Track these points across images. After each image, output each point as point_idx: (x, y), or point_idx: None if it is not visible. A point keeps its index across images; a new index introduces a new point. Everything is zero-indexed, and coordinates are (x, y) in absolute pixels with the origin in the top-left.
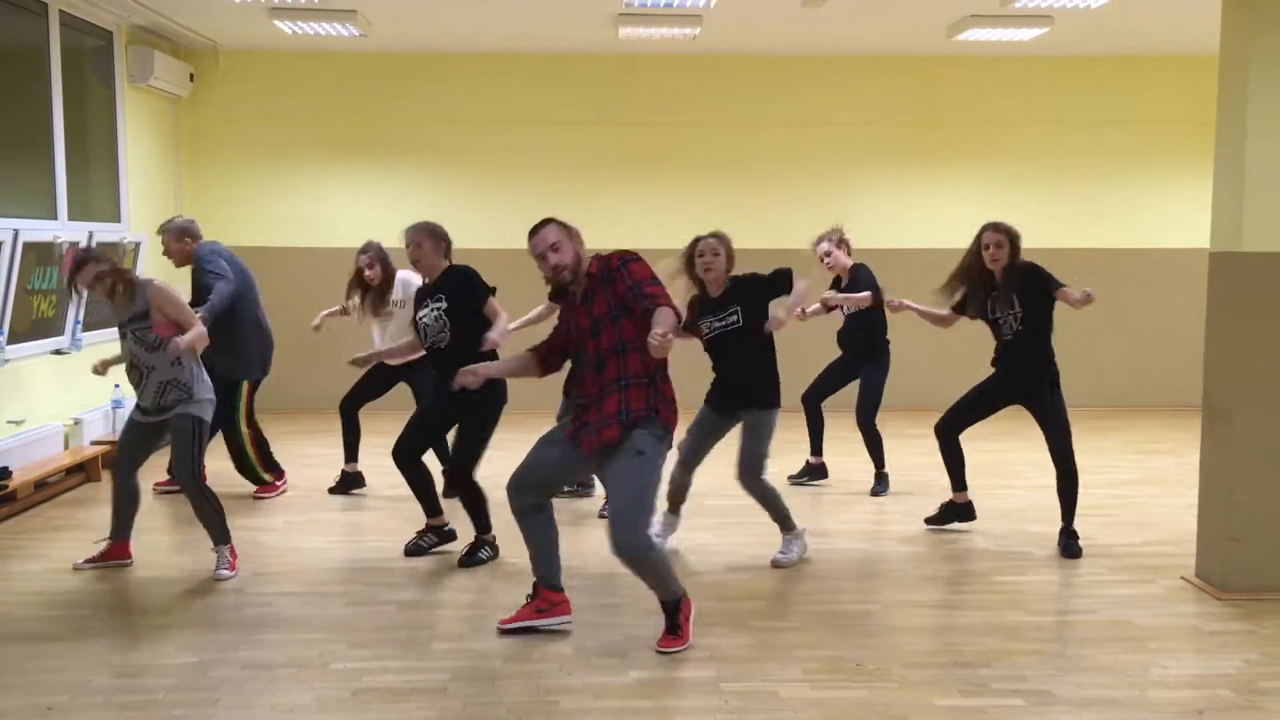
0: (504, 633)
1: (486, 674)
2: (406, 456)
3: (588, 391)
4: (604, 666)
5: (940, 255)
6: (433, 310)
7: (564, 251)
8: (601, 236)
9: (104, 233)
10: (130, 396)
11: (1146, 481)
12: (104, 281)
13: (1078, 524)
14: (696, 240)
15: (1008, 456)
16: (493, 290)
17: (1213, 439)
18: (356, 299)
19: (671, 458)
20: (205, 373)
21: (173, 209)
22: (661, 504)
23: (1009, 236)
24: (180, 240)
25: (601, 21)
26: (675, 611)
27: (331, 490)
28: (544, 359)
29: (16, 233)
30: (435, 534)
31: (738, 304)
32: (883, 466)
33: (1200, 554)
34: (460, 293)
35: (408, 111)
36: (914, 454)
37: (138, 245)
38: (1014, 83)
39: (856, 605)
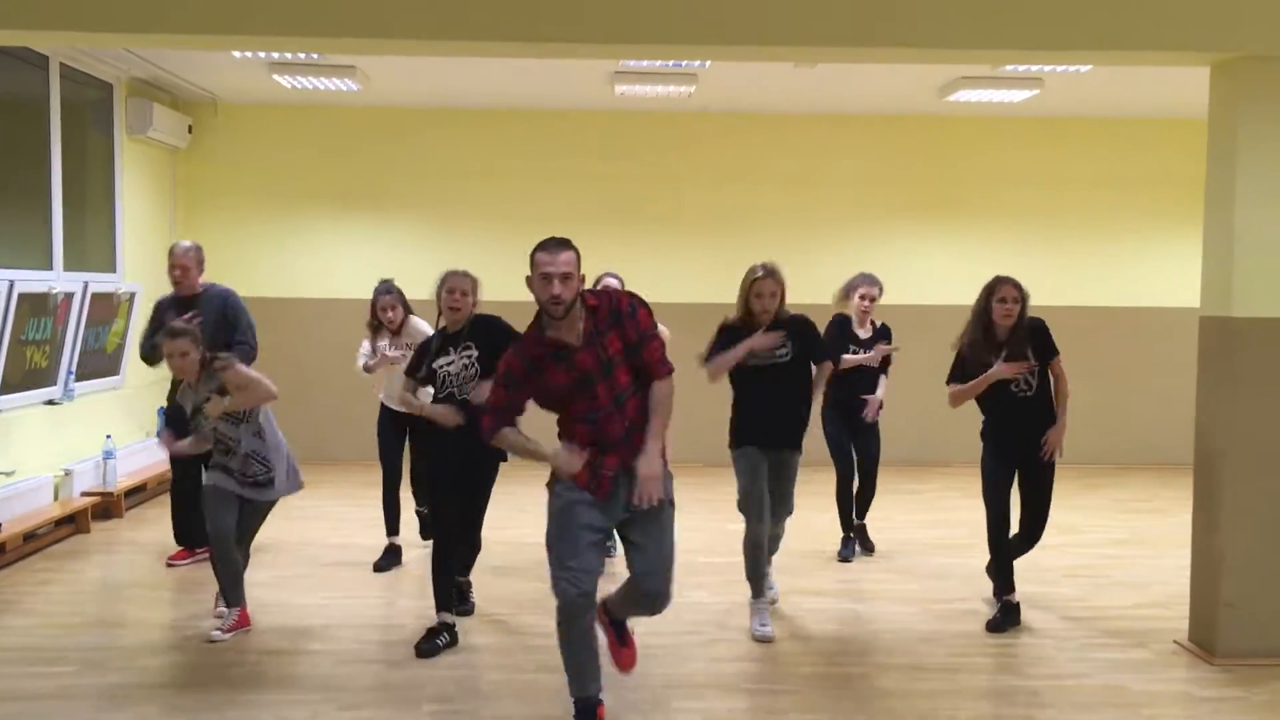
0: None
1: None
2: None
3: (613, 435)
4: None
5: (931, 312)
6: (461, 359)
7: (571, 286)
8: None
9: (99, 283)
10: (124, 445)
11: (1138, 541)
12: (191, 361)
13: (1069, 584)
14: (755, 278)
15: None
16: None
17: (1204, 503)
18: (385, 341)
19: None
20: (279, 437)
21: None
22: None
23: (1021, 293)
24: (200, 265)
25: (598, 79)
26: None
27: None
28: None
29: (12, 284)
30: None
31: (789, 340)
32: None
33: (1193, 618)
34: (494, 343)
35: (404, 165)
36: (905, 511)
37: (133, 295)
38: (1005, 143)
39: (849, 668)
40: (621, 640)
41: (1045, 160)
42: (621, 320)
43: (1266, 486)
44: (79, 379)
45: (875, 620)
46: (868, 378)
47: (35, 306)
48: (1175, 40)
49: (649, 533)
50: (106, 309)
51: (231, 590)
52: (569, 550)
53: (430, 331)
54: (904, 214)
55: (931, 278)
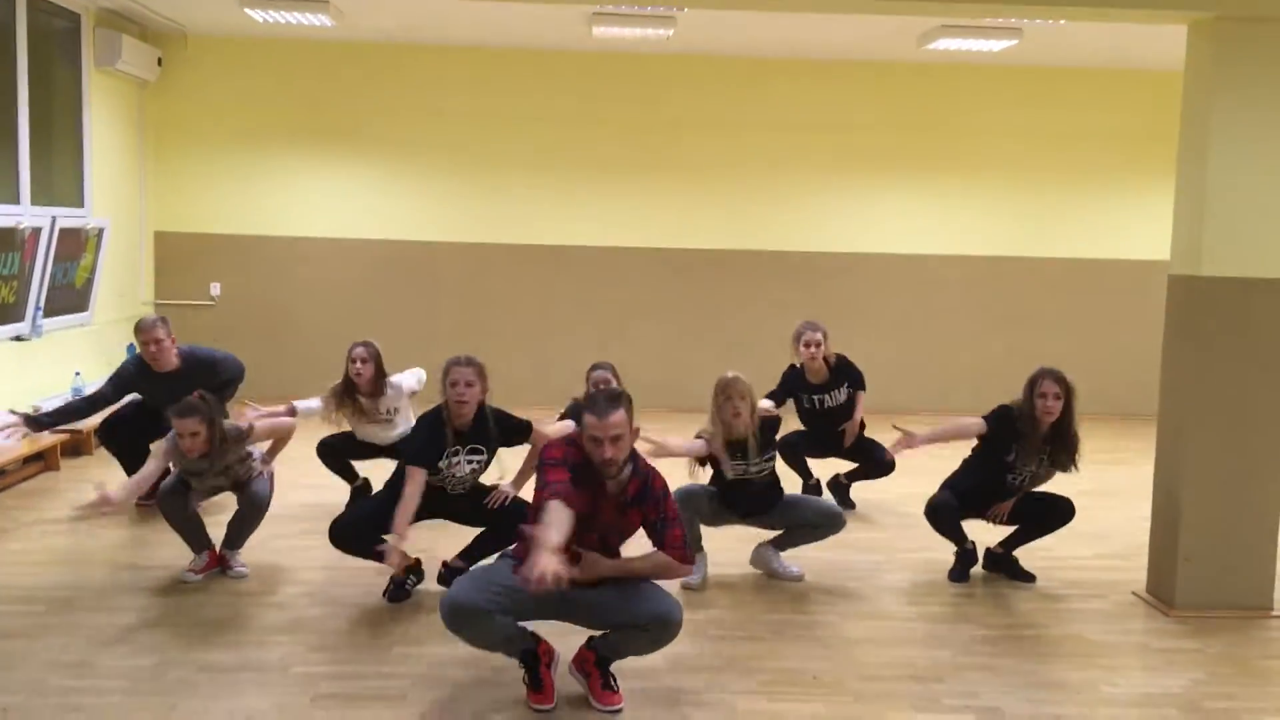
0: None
1: (445, 681)
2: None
3: (568, 560)
4: (561, 676)
5: (906, 261)
6: (469, 463)
7: (623, 446)
8: (570, 233)
9: (67, 218)
10: (93, 381)
11: (1102, 492)
12: (201, 439)
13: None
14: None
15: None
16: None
17: (1166, 458)
18: (343, 412)
19: None
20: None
21: (137, 194)
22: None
23: (1067, 389)
24: (171, 336)
25: (576, 20)
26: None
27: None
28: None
29: None
30: (411, 572)
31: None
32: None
33: (1151, 570)
34: (508, 443)
35: (378, 103)
36: None
37: (100, 231)
38: (983, 92)
39: (814, 616)
40: (606, 683)
41: (1023, 111)
42: (647, 499)
43: (1227, 444)
44: (47, 315)
45: (841, 569)
46: (840, 411)
47: (2, 241)
48: None
49: (603, 590)
50: (74, 244)
51: (196, 542)
52: (488, 576)
53: (413, 386)
54: (880, 161)
55: (905, 226)
